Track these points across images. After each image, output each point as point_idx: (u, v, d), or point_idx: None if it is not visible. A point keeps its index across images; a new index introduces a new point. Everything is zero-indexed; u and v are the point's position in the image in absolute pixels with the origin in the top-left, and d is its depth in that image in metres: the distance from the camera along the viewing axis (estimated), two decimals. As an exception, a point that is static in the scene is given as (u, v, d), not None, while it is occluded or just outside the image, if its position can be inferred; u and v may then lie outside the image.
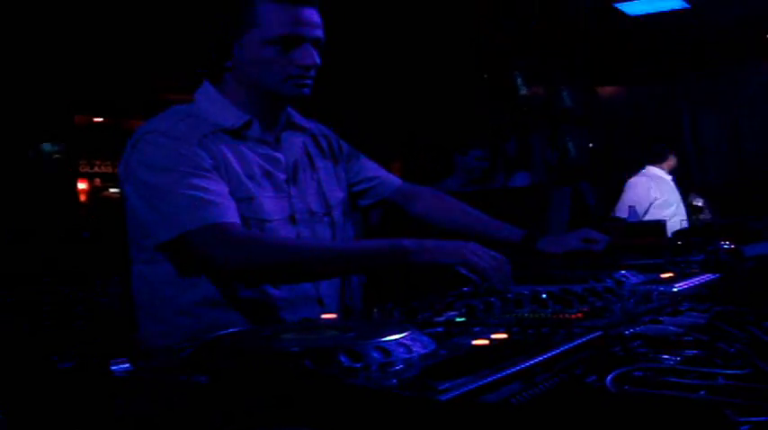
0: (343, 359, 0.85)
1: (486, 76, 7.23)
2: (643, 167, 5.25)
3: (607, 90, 8.24)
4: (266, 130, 1.75)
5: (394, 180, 2.08)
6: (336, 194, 1.89)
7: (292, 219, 1.73)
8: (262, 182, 1.69)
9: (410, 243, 1.54)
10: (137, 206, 1.61)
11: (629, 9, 6.55)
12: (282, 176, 1.74)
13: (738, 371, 0.84)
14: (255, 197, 1.65)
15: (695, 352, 0.94)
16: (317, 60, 1.68)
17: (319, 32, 1.69)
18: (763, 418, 0.70)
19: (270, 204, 1.68)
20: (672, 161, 5.22)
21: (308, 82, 1.69)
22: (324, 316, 1.37)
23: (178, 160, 1.58)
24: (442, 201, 2.09)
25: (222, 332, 1.03)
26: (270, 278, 1.63)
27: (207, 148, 1.62)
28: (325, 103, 1.81)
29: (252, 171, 1.68)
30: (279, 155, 1.75)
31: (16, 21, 4.55)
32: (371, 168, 2.04)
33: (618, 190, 5.27)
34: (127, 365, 0.93)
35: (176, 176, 1.56)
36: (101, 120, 6.10)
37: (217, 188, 1.58)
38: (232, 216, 1.56)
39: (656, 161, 5.22)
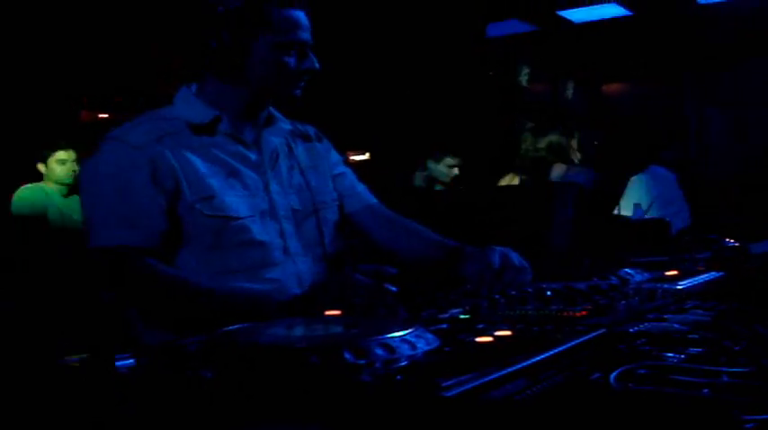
0: (347, 355, 0.85)
1: (491, 73, 7.22)
2: (648, 166, 5.24)
3: (612, 87, 8.21)
4: (240, 127, 1.77)
5: (368, 197, 1.98)
6: (328, 194, 1.89)
7: (272, 215, 1.74)
8: (228, 180, 1.70)
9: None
10: (84, 206, 1.67)
11: (573, 16, 6.76)
12: (254, 174, 1.74)
13: (743, 369, 0.84)
14: (216, 195, 1.66)
15: (700, 350, 0.94)
16: (318, 65, 1.73)
17: (310, 35, 1.73)
18: (767, 416, 0.70)
19: (237, 202, 1.69)
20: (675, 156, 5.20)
21: (303, 84, 1.75)
22: (327, 312, 1.37)
23: (118, 171, 1.63)
24: (393, 225, 1.96)
25: (227, 328, 1.03)
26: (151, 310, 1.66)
27: (166, 147, 1.65)
28: (324, 100, 1.84)
29: (216, 169, 1.69)
30: (252, 153, 1.76)
31: (23, 16, 4.56)
32: (350, 180, 1.98)
33: (622, 188, 5.25)
34: (131, 361, 0.93)
35: (110, 189, 1.62)
36: (106, 116, 6.10)
37: (142, 205, 1.62)
38: (143, 240, 1.61)
39: (661, 157, 5.19)
